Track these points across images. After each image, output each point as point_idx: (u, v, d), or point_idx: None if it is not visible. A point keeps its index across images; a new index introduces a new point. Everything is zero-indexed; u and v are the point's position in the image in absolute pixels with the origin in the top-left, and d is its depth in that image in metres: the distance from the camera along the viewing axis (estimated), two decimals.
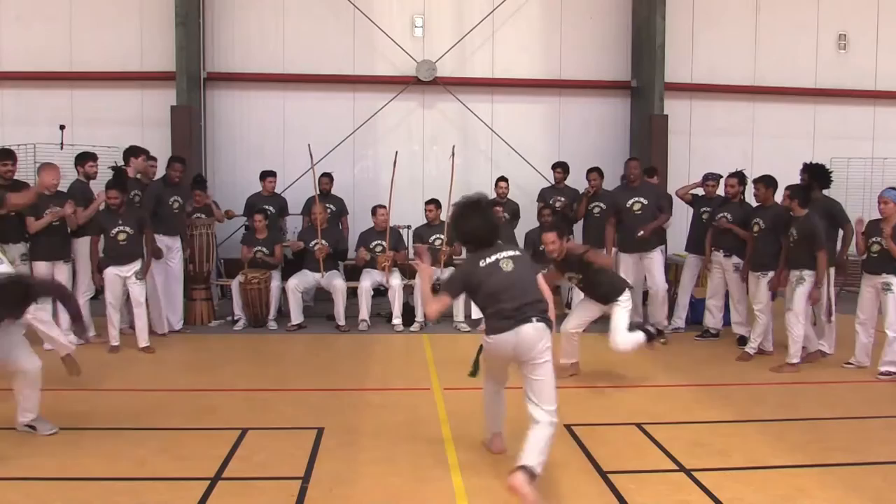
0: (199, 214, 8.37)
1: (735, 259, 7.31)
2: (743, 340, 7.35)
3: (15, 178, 6.84)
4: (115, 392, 5.68)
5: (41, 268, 6.91)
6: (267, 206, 8.66)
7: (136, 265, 7.00)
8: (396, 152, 8.90)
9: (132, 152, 7.74)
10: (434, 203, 8.53)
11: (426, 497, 3.81)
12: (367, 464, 4.23)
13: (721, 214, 7.47)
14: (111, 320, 6.96)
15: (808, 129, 10.90)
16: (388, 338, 7.84)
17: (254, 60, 10.27)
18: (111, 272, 6.93)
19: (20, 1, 9.96)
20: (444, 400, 5.41)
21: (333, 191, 9.15)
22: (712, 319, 7.75)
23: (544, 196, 9.02)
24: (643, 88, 10.35)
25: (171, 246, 7.79)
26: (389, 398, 5.56)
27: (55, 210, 6.87)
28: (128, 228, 6.92)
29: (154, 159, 8.23)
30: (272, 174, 8.98)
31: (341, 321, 8.14)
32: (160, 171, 8.31)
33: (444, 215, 8.51)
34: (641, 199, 7.84)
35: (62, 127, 9.33)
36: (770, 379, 6.22)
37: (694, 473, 4.07)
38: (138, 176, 7.75)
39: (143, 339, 7.01)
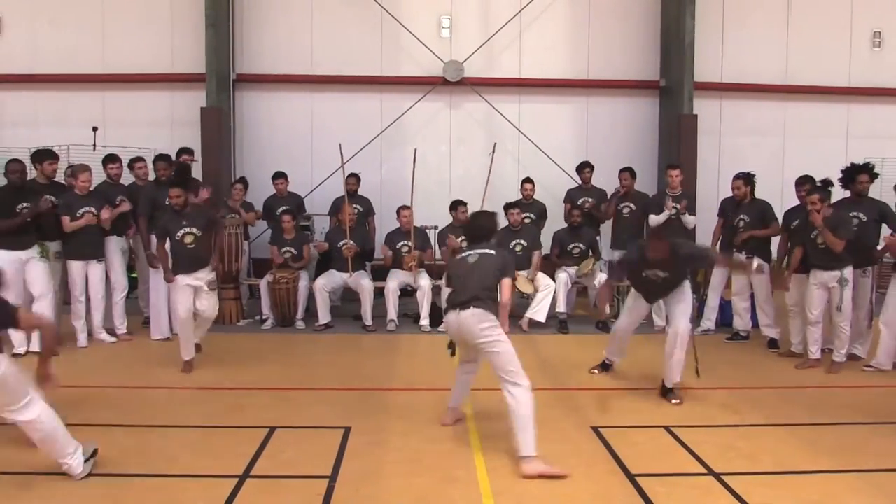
0: (232, 214, 8.49)
1: (757, 261, 7.24)
2: (773, 343, 7.26)
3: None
4: (144, 390, 5.77)
5: (75, 267, 7.08)
6: (285, 207, 8.74)
7: (208, 272, 6.36)
8: (415, 150, 8.89)
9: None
10: (463, 205, 8.50)
11: (453, 497, 3.81)
12: (393, 463, 4.24)
13: (739, 218, 7.43)
14: (184, 338, 6.23)
15: (841, 129, 10.72)
16: (415, 338, 7.85)
17: (282, 62, 10.36)
18: (181, 281, 6.23)
19: (54, 5, 10.15)
20: (470, 400, 5.40)
21: (360, 191, 9.19)
22: (741, 322, 7.67)
23: (572, 196, 8.98)
24: (672, 88, 10.25)
25: None
26: (416, 398, 5.57)
27: (90, 214, 7.05)
28: (194, 230, 6.29)
29: (142, 159, 8.21)
30: (283, 175, 9.08)
31: (368, 321, 8.17)
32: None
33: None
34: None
35: (95, 128, 9.48)
36: (800, 382, 6.13)
37: (723, 477, 4.02)
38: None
39: (197, 337, 6.50)
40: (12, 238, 6.64)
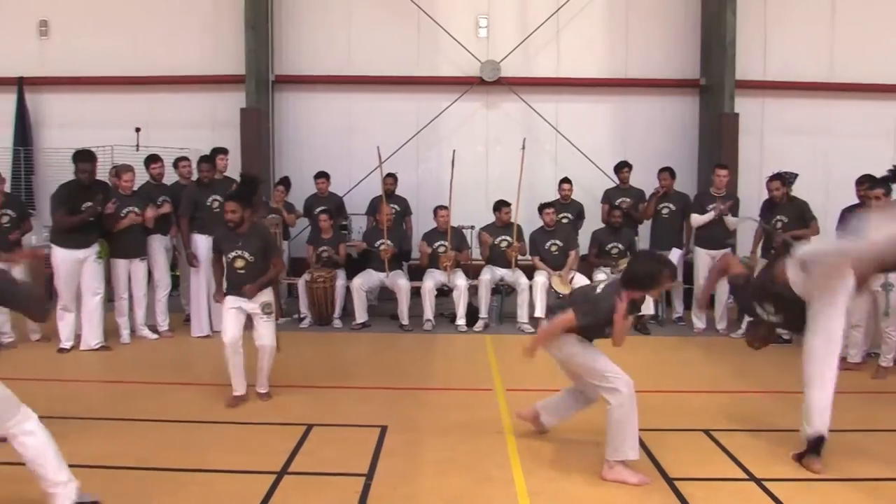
0: (272, 214, 8.61)
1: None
2: None
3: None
4: (184, 386, 5.86)
5: (119, 265, 7.25)
6: (324, 207, 8.81)
7: (263, 294, 5.41)
8: (454, 151, 8.89)
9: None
10: (507, 206, 8.48)
11: (490, 497, 3.80)
12: (430, 463, 4.24)
13: (776, 219, 7.29)
14: (231, 368, 5.31)
15: (889, 127, 10.41)
16: (452, 338, 7.85)
17: (320, 63, 10.44)
18: (230, 303, 5.38)
19: (99, 10, 10.35)
20: (506, 401, 5.38)
21: (397, 191, 9.23)
22: None
23: (609, 196, 8.90)
24: (712, 87, 10.09)
25: None
26: (452, 398, 5.57)
27: (133, 214, 7.23)
28: (246, 254, 5.36)
29: (186, 159, 8.36)
30: (324, 175, 9.16)
31: (405, 320, 8.20)
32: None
33: (512, 216, 8.49)
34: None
35: (138, 129, 9.66)
36: (847, 387, 5.92)
37: (765, 483, 3.94)
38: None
39: (261, 385, 5.50)
40: (76, 235, 6.82)
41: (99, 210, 6.84)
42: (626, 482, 3.92)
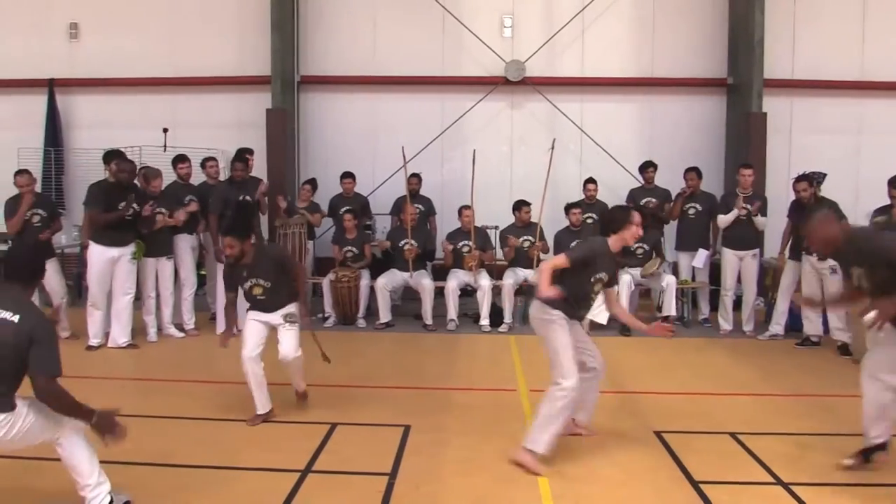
0: (299, 213, 8.69)
1: (831, 261, 6.99)
2: (845, 348, 7.00)
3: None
4: (210, 384, 5.92)
5: (146, 263, 7.35)
6: (349, 207, 8.85)
7: (287, 308, 5.09)
8: (474, 150, 8.88)
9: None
10: (527, 205, 8.48)
11: (513, 498, 3.79)
12: (453, 463, 4.24)
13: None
14: (252, 385, 4.97)
15: None
16: (475, 338, 7.85)
17: (345, 63, 10.48)
18: (252, 318, 5.08)
19: (128, 12, 10.49)
20: (529, 401, 5.36)
21: (422, 191, 9.24)
22: (811, 326, 7.41)
23: (634, 196, 8.84)
24: (740, 86, 9.96)
25: None
26: (475, 398, 5.57)
27: (161, 216, 7.35)
28: (261, 280, 5.00)
29: (214, 159, 8.51)
30: (350, 175, 9.21)
31: (429, 320, 8.21)
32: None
33: (535, 216, 8.47)
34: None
35: (165, 130, 9.78)
36: None
37: (792, 487, 3.89)
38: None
39: (298, 385, 5.31)
40: (113, 233, 6.94)
41: (135, 209, 6.97)
42: (527, 467, 4.11)
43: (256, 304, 5.07)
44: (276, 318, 5.04)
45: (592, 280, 4.33)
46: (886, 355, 4.18)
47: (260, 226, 8.18)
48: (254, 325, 5.03)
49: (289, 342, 4.99)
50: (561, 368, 4.21)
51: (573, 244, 4.59)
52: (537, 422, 4.20)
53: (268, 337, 5.07)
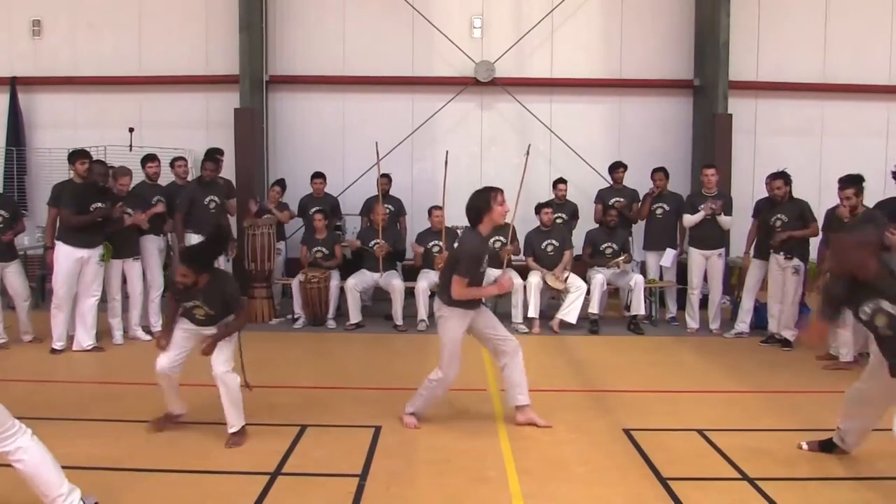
0: (267, 214, 8.64)
1: (796, 261, 7.16)
2: (787, 343, 7.29)
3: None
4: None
5: (113, 265, 7.23)
6: (319, 207, 8.81)
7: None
8: (447, 152, 8.89)
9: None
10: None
11: (484, 498, 3.80)
12: (423, 463, 4.24)
13: (775, 217, 7.32)
14: (166, 392, 4.81)
15: (881, 128, 10.44)
16: None
17: (314, 63, 10.43)
18: (179, 325, 4.81)
19: (92, 9, 10.33)
20: (500, 401, 5.38)
21: (391, 191, 9.23)
22: (776, 324, 7.54)
23: (602, 196, 8.92)
24: (706, 87, 10.11)
25: None
26: (446, 398, 5.55)
27: (126, 215, 7.24)
28: (206, 307, 4.65)
29: (183, 159, 8.49)
30: (321, 176, 9.19)
31: (399, 321, 8.20)
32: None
33: (508, 216, 8.49)
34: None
35: (131, 129, 9.64)
36: (838, 387, 5.98)
37: (758, 482, 3.95)
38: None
39: (230, 423, 4.62)
40: (82, 235, 6.83)
41: (109, 213, 6.90)
42: (406, 424, 4.80)
43: (193, 321, 4.74)
44: (210, 330, 4.70)
45: (482, 270, 4.74)
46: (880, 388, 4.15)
47: (230, 226, 8.10)
48: (179, 335, 4.74)
49: (220, 357, 4.59)
50: (441, 360, 4.77)
51: (456, 263, 4.64)
52: (419, 392, 4.90)
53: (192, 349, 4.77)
